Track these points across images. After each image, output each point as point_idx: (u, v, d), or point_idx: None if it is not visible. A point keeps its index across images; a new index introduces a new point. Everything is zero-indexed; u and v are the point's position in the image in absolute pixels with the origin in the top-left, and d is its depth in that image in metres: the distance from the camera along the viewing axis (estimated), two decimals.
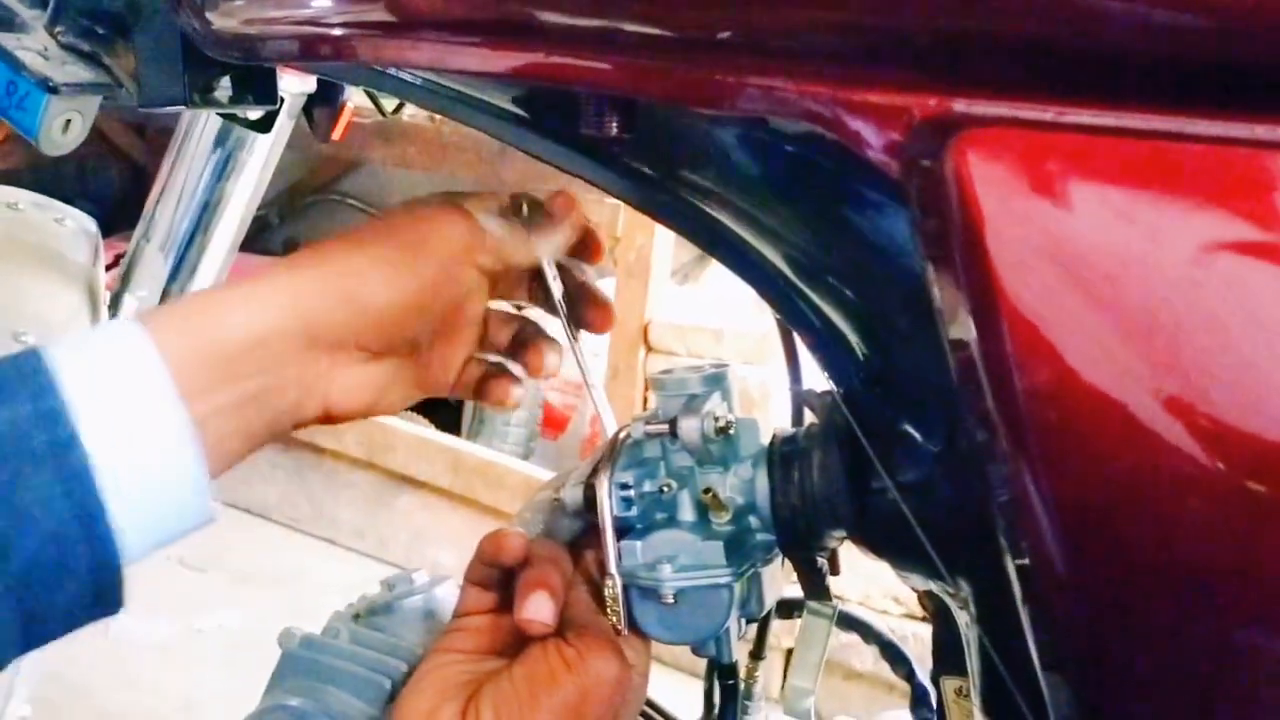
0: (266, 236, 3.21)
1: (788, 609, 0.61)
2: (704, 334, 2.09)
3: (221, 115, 0.89)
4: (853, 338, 0.47)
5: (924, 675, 0.63)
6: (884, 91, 0.29)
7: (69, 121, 0.60)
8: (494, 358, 0.54)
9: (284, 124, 0.94)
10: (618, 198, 0.52)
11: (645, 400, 2.17)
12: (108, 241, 1.04)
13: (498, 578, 0.50)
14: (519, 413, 2.44)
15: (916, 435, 0.44)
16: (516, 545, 0.49)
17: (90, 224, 0.96)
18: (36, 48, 0.59)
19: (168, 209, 0.98)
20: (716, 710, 0.56)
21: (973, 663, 0.43)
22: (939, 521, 0.42)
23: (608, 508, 0.48)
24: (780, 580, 0.52)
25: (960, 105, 0.28)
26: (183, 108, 0.54)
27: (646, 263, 2.11)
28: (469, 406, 2.52)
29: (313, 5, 0.43)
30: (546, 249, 0.51)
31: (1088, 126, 0.27)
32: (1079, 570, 0.30)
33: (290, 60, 0.47)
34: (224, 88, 0.55)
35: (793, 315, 0.50)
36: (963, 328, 0.30)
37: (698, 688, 0.60)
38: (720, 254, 0.50)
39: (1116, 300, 0.28)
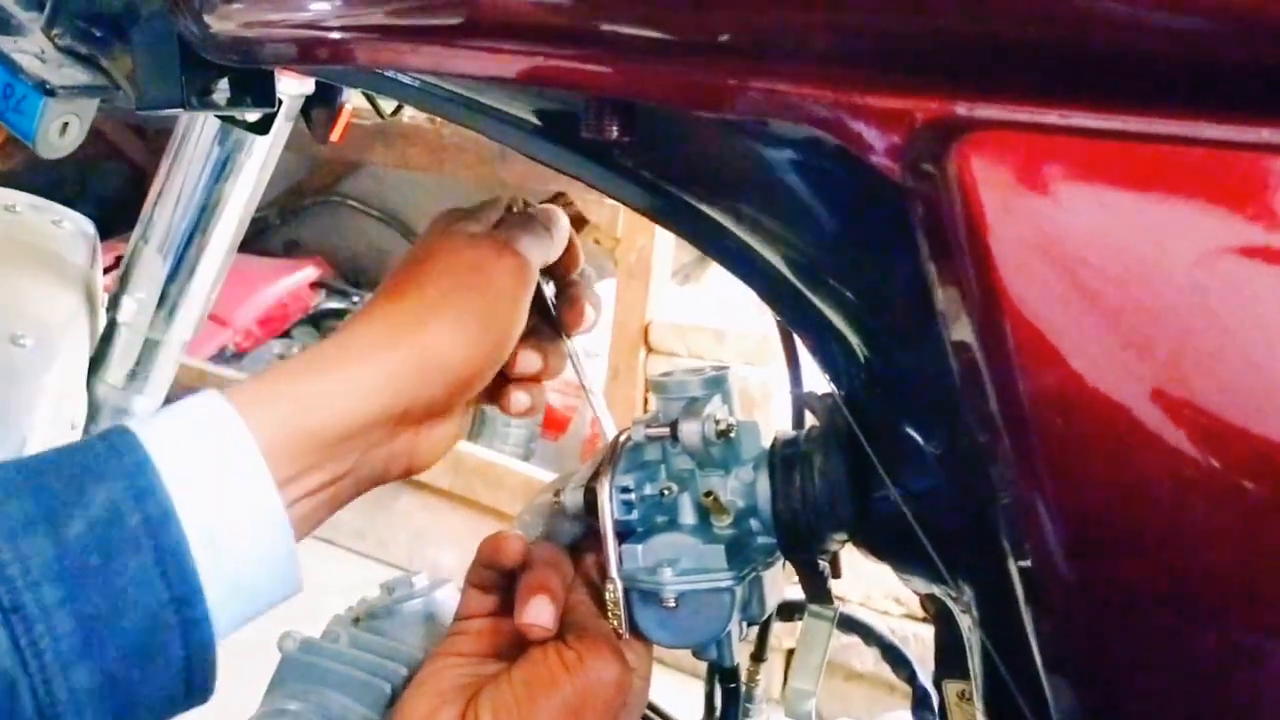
0: (266, 238, 3.21)
1: (789, 611, 0.61)
2: (705, 335, 2.09)
3: (219, 117, 0.88)
4: (854, 340, 0.47)
5: (925, 677, 0.63)
6: (886, 95, 0.29)
7: (66, 124, 0.60)
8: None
9: (282, 126, 0.94)
10: (617, 200, 0.52)
11: (646, 401, 2.16)
12: (108, 243, 1.04)
13: (498, 580, 0.50)
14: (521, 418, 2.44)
15: (918, 438, 0.44)
16: (516, 548, 0.49)
17: (88, 226, 0.96)
18: (33, 50, 0.58)
19: (166, 210, 0.98)
20: (718, 713, 0.55)
21: (975, 666, 0.43)
22: (941, 524, 0.42)
23: (608, 511, 0.47)
24: (781, 583, 0.52)
25: (962, 109, 0.28)
26: (179, 112, 0.54)
27: (647, 264, 2.11)
28: None
29: (311, 8, 0.43)
30: (544, 257, 0.52)
31: (1090, 130, 0.27)
32: (1082, 573, 0.30)
33: (288, 63, 0.47)
34: (222, 90, 0.54)
35: (793, 317, 0.50)
36: (965, 330, 0.30)
37: (699, 689, 0.60)
38: (720, 256, 0.50)
39: (1119, 303, 0.27)
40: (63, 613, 0.34)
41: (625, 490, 0.48)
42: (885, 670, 0.65)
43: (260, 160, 0.98)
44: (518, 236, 0.50)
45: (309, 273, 2.95)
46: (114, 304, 0.99)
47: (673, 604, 0.47)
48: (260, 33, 0.46)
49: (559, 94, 0.43)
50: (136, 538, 0.36)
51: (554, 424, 2.47)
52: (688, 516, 0.48)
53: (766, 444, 0.49)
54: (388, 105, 0.93)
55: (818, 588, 0.50)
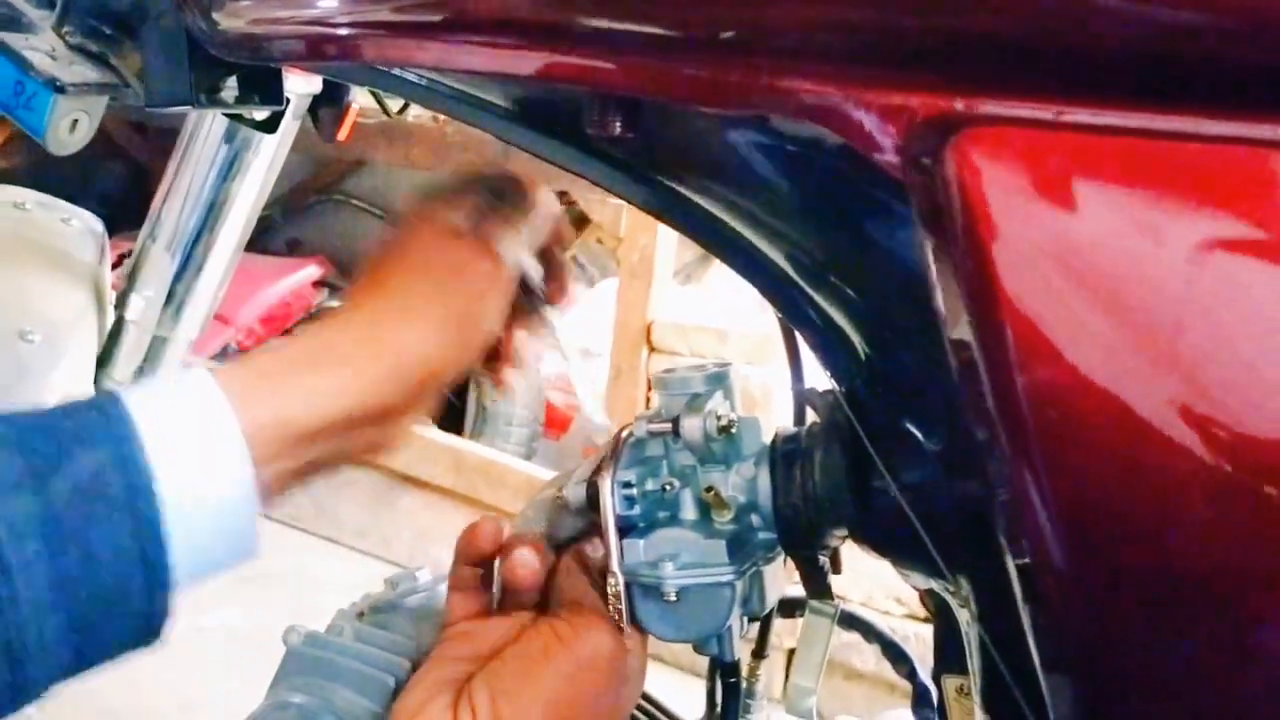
0: (269, 236, 3.21)
1: (790, 608, 0.61)
2: (707, 334, 2.09)
3: (227, 116, 0.89)
4: (855, 337, 0.47)
5: (925, 674, 0.63)
6: (885, 90, 0.29)
7: (76, 121, 0.60)
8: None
9: (290, 124, 0.94)
10: (621, 198, 0.52)
11: (648, 400, 2.17)
12: (111, 241, 1.04)
13: (480, 579, 0.51)
14: (521, 412, 2.44)
15: (918, 434, 0.44)
16: (491, 530, 0.51)
17: (96, 223, 0.97)
18: (44, 48, 0.59)
19: (174, 209, 0.98)
20: (719, 709, 0.56)
21: (973, 661, 0.43)
22: (940, 520, 0.42)
23: (610, 506, 0.48)
24: (782, 579, 0.53)
25: (961, 104, 0.28)
26: (187, 110, 0.54)
27: (649, 263, 2.11)
28: (471, 406, 2.52)
29: (319, 6, 0.43)
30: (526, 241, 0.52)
31: (1088, 126, 0.27)
32: (1079, 570, 0.30)
33: (296, 60, 0.47)
34: (230, 88, 0.55)
35: (795, 314, 0.50)
36: (963, 326, 0.30)
37: (699, 686, 0.60)
38: (723, 254, 0.50)
39: (1117, 299, 0.28)
40: (40, 567, 0.36)
41: (627, 485, 0.48)
42: (886, 670, 0.66)
43: (268, 159, 0.99)
44: (499, 234, 0.50)
45: (311, 271, 2.95)
46: (122, 301, 0.99)
47: (674, 598, 0.47)
48: (268, 30, 0.46)
49: (564, 91, 0.43)
50: (117, 505, 0.38)
51: (556, 423, 2.47)
52: (689, 511, 0.48)
53: (768, 440, 0.50)
54: (394, 104, 0.93)
55: (818, 583, 0.51)
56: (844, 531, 0.48)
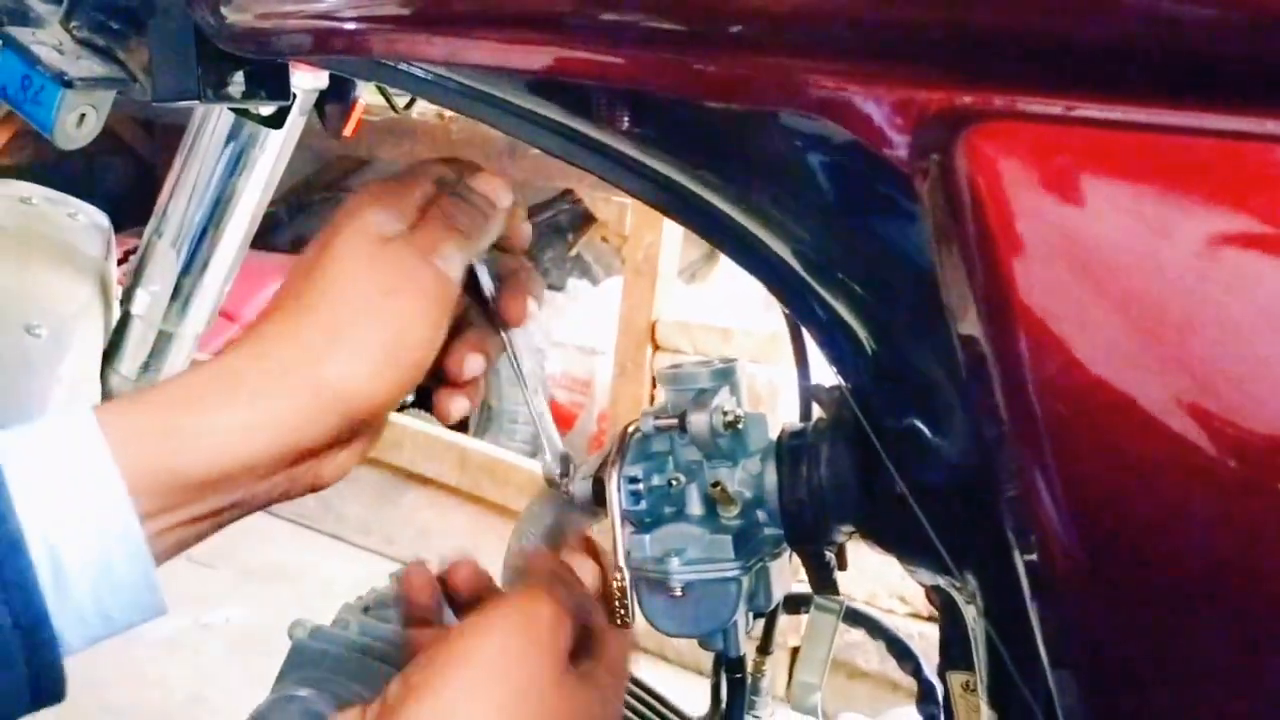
0: (274, 234, 3.22)
1: (795, 604, 0.61)
2: (711, 333, 2.09)
3: (234, 111, 0.89)
4: (861, 333, 0.47)
5: (930, 671, 0.63)
6: (894, 85, 0.29)
7: (83, 116, 0.60)
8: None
9: (296, 120, 0.95)
10: (627, 193, 0.52)
11: (652, 399, 2.17)
12: (116, 237, 1.04)
13: (431, 614, 0.49)
14: (526, 410, 2.44)
15: (925, 430, 0.44)
16: (422, 573, 0.49)
17: (102, 219, 0.97)
18: (52, 42, 0.59)
19: (180, 204, 0.98)
20: (723, 705, 0.56)
21: (979, 656, 0.43)
22: (946, 516, 0.42)
23: (616, 501, 0.48)
24: (788, 575, 0.53)
25: (970, 98, 0.28)
26: (195, 104, 0.54)
27: (654, 261, 2.12)
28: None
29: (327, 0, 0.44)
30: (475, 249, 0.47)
31: (1098, 120, 0.27)
32: (1088, 567, 0.30)
33: (304, 54, 0.47)
34: (237, 83, 0.55)
35: (801, 310, 0.50)
36: (972, 322, 0.30)
37: (704, 685, 0.60)
38: (730, 249, 0.50)
39: (1127, 294, 0.27)
40: None
41: (633, 480, 0.49)
42: (889, 669, 0.66)
43: (274, 155, 0.99)
44: (439, 244, 0.44)
45: None
46: (128, 296, 1.00)
47: (679, 593, 0.47)
48: (276, 23, 0.46)
49: (572, 85, 0.43)
50: None
51: (560, 421, 2.47)
52: (695, 507, 0.48)
53: (774, 436, 0.50)
54: (400, 99, 0.93)
55: (823, 579, 0.51)
56: (850, 527, 0.48)
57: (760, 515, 0.48)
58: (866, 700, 1.76)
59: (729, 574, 0.47)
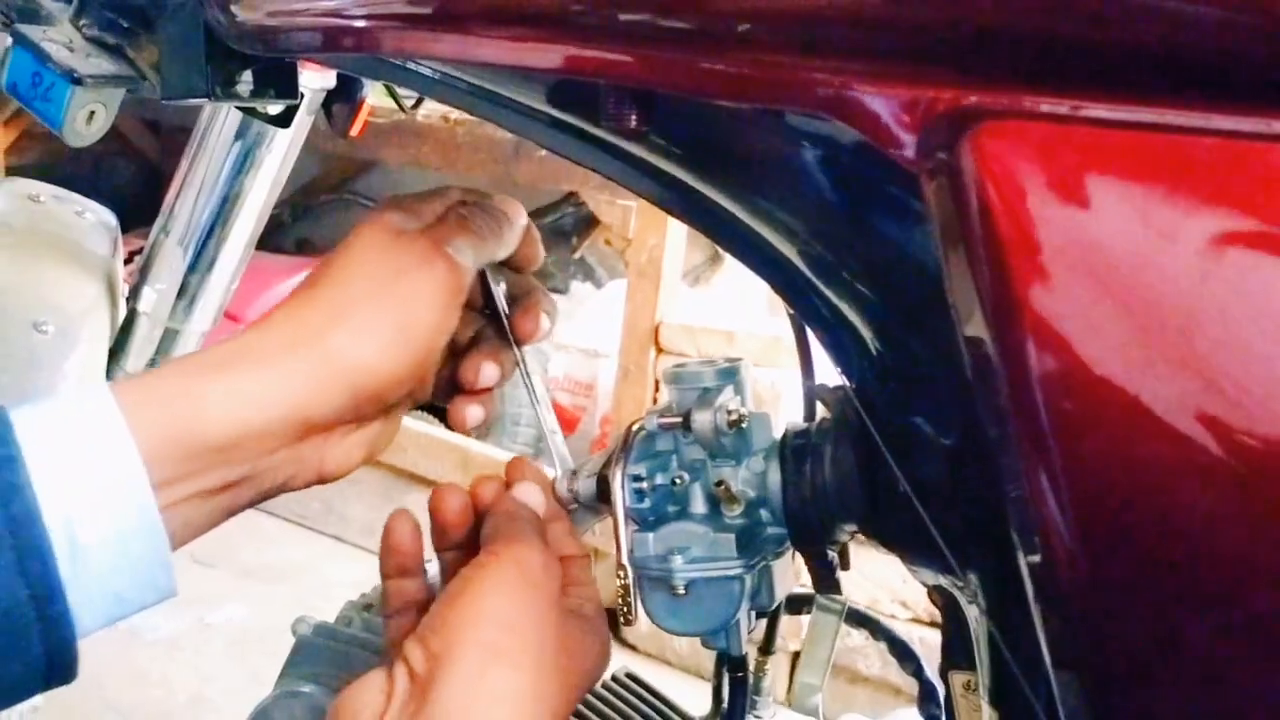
0: (278, 235, 3.22)
1: (797, 604, 0.61)
2: (715, 335, 2.09)
3: (242, 109, 0.89)
4: (866, 332, 0.47)
5: (931, 672, 0.63)
6: (901, 84, 0.29)
7: (93, 113, 0.61)
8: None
9: (303, 120, 0.95)
10: (634, 192, 0.52)
11: (655, 401, 2.17)
12: (122, 237, 1.05)
13: (411, 564, 0.49)
14: (528, 412, 2.45)
15: (928, 429, 0.44)
16: (406, 521, 0.49)
17: (110, 217, 0.97)
18: (62, 40, 0.59)
19: (187, 203, 0.99)
20: (725, 704, 0.56)
21: (981, 656, 0.43)
22: (950, 516, 0.42)
23: (620, 499, 0.48)
24: (790, 575, 0.53)
25: (977, 98, 0.28)
26: (203, 102, 0.55)
27: (658, 264, 2.12)
28: None
29: None
30: (490, 257, 0.49)
31: (1105, 120, 0.27)
32: (1092, 568, 0.30)
33: (313, 53, 0.48)
34: (245, 81, 0.55)
35: (806, 310, 0.50)
36: (978, 322, 0.30)
37: (705, 688, 0.61)
38: (735, 249, 0.50)
39: (1133, 294, 0.27)
40: None
41: (637, 479, 0.49)
42: (891, 673, 0.66)
43: (281, 154, 0.99)
44: (453, 236, 0.46)
45: None
46: (135, 294, 1.00)
47: (682, 591, 0.47)
48: (285, 21, 0.47)
49: (579, 84, 0.43)
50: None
51: (563, 423, 2.48)
52: (699, 505, 0.49)
53: (778, 435, 0.50)
54: (408, 101, 0.93)
55: (826, 579, 0.51)
56: (853, 527, 0.49)
57: (764, 514, 0.49)
58: (868, 704, 1.76)
59: (732, 572, 0.47)
